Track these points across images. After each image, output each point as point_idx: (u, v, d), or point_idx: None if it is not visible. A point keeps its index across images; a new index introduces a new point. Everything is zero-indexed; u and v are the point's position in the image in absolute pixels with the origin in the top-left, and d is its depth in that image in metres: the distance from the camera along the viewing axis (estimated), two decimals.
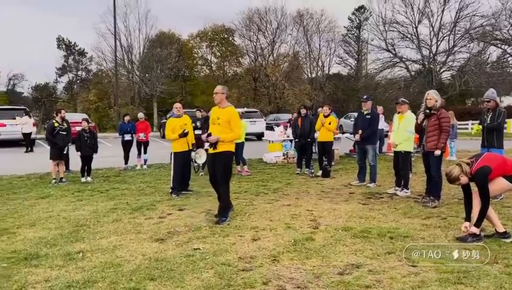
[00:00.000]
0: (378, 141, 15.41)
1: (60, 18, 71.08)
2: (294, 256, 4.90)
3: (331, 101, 41.27)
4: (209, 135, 6.46)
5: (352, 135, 11.29)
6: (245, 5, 64.71)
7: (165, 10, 68.13)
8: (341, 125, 27.91)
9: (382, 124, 15.32)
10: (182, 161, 8.84)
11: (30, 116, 20.94)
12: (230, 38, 46.52)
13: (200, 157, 8.94)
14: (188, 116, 9.31)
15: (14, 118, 20.29)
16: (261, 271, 4.47)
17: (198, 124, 11.99)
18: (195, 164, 9.96)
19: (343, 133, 20.12)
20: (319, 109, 13.39)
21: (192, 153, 8.93)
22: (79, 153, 10.98)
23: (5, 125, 19.56)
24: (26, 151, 18.65)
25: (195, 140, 9.26)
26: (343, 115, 30.49)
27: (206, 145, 11.52)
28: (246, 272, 4.46)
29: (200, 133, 11.70)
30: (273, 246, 5.27)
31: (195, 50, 46.89)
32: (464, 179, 5.26)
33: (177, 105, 9.25)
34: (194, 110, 14.65)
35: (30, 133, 19.55)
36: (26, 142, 19.28)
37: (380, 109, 16.05)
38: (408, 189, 8.48)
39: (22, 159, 16.28)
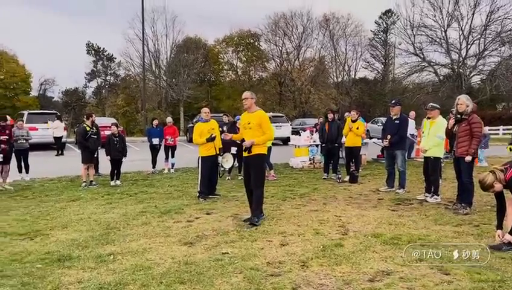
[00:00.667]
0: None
1: (89, 24, 72.69)
2: (324, 262, 4.86)
3: (357, 105, 40.91)
4: (243, 140, 6.68)
5: (380, 140, 11.16)
6: (271, 10, 64.82)
7: (191, 16, 69.08)
8: (368, 130, 27.68)
9: (411, 129, 15.13)
10: (209, 165, 8.89)
11: (61, 121, 21.42)
12: (256, 43, 46.65)
13: (226, 161, 8.98)
14: (215, 121, 9.37)
15: (46, 122, 20.80)
16: (290, 276, 4.45)
17: (225, 128, 12.04)
18: (222, 169, 9.98)
19: (371, 138, 19.90)
20: (346, 114, 13.31)
21: (219, 158, 8.98)
22: (108, 157, 11.18)
23: (37, 129, 20.02)
24: (57, 155, 19.09)
25: (222, 145, 9.30)
26: (369, 120, 30.19)
27: (233, 149, 11.65)
28: (275, 277, 4.45)
29: (228, 138, 11.81)
30: (301, 251, 5.24)
31: (221, 55, 47.19)
32: (498, 187, 5.14)
33: (205, 110, 9.32)
34: (221, 114, 14.74)
35: (61, 137, 20.01)
36: (57, 145, 19.74)
37: (412, 113, 15.85)
38: (438, 195, 8.32)
39: (53, 162, 16.66)
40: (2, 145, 10.68)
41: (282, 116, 26.41)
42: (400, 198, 8.66)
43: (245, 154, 6.73)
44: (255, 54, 46.25)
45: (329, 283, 4.30)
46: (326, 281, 4.35)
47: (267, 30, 44.15)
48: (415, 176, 11.22)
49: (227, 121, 12.53)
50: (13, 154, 11.58)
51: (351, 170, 11.16)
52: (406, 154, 14.77)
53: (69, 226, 6.75)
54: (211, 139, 8.74)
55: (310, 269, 4.66)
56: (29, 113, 22.47)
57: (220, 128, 11.77)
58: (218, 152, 8.95)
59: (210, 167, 8.90)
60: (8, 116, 11.98)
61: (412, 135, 15.34)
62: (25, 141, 12.02)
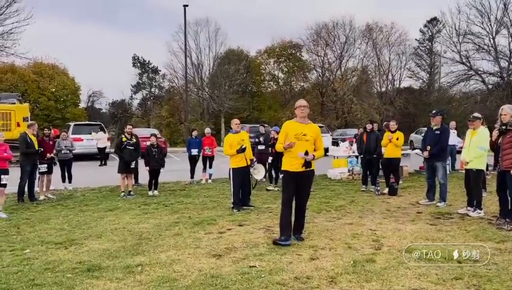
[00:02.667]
0: (450, 158, 14.68)
1: (136, 37, 74.92)
2: (353, 278, 4.70)
3: (401, 115, 39.94)
4: (307, 153, 6.01)
5: (421, 152, 10.79)
6: (313, 20, 64.66)
7: (234, 28, 69.84)
8: (411, 140, 26.94)
9: (454, 140, 14.59)
10: (240, 176, 8.86)
11: (105, 132, 22.07)
12: (298, 54, 46.46)
13: (258, 173, 8.91)
14: (245, 132, 9.34)
15: (90, 133, 21.49)
16: None
17: (261, 139, 12.02)
18: (254, 180, 9.91)
19: (414, 149, 19.33)
20: (384, 123, 13.00)
21: (251, 169, 8.92)
22: (147, 167, 11.37)
23: (82, 140, 20.74)
24: (100, 165, 19.65)
25: (257, 155, 9.25)
26: (413, 130, 29.38)
27: (270, 159, 11.59)
28: None
29: (263, 148, 11.78)
30: (331, 266, 5.09)
31: (263, 66, 47.26)
32: None
33: (236, 121, 9.32)
34: (258, 125, 14.73)
35: (104, 148, 20.62)
36: (101, 156, 20.33)
37: (452, 124, 15.32)
38: (481, 209, 7.93)
39: (96, 173, 17.12)
40: (48, 155, 11.05)
41: (322, 127, 26.11)
42: (440, 212, 8.31)
43: (300, 169, 6.07)
44: (296, 64, 46.07)
45: None
46: None
47: (308, 40, 43.88)
48: (457, 188, 10.76)
49: (263, 132, 12.49)
50: (57, 164, 12.00)
51: (391, 182, 10.85)
52: (450, 166, 14.30)
53: (103, 235, 6.87)
54: (242, 150, 8.71)
55: (338, 285, 4.52)
56: (75, 125, 23.32)
57: (256, 139, 11.81)
58: (249, 163, 8.91)
59: (241, 178, 8.86)
60: (51, 127, 12.43)
61: (455, 146, 14.80)
62: (68, 152, 12.42)
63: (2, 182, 8.71)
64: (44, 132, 11.43)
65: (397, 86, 46.59)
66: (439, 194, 9.14)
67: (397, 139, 10.89)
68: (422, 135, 10.76)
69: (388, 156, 11.04)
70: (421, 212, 8.38)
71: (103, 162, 19.99)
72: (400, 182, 11.55)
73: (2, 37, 27.57)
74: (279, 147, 6.28)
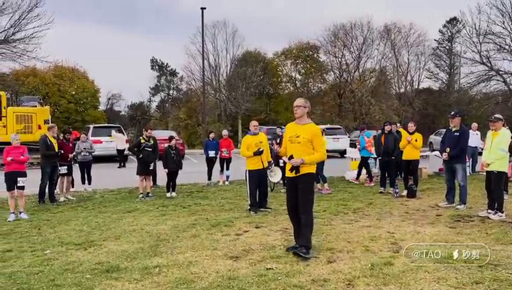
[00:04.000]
0: (471, 160, 14.47)
1: (154, 40, 75.62)
2: (371, 281, 4.66)
3: (420, 117, 39.50)
4: (291, 157, 5.63)
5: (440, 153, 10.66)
6: (330, 22, 64.41)
7: (251, 30, 69.96)
8: (431, 142, 26.62)
9: (475, 142, 14.38)
10: (256, 178, 8.85)
11: (123, 134, 22.31)
12: (315, 55, 46.33)
13: (274, 175, 8.89)
14: (263, 134, 9.33)
15: (110, 136, 21.75)
16: None
17: (278, 141, 11.99)
18: (271, 183, 9.89)
19: (433, 150, 19.10)
20: (399, 125, 12.91)
21: (268, 171, 8.90)
22: (165, 169, 11.45)
23: (101, 142, 21.00)
24: (119, 167, 19.86)
25: (273, 158, 9.24)
26: (433, 132, 29.03)
27: (281, 162, 11.55)
28: None
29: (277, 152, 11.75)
30: (348, 269, 5.06)
31: (280, 68, 47.25)
32: None
33: (254, 123, 9.33)
34: (275, 127, 14.72)
35: (123, 150, 20.84)
36: (120, 158, 20.57)
37: (474, 125, 15.10)
38: (503, 212, 7.78)
39: (115, 174, 17.31)
40: (70, 155, 11.21)
41: (340, 128, 25.98)
42: (460, 214, 8.18)
43: (291, 174, 5.74)
44: (313, 65, 45.93)
45: None
46: None
47: (326, 41, 43.70)
48: (478, 191, 10.57)
49: (280, 134, 12.47)
50: (77, 165, 12.19)
51: (409, 184, 10.73)
52: (470, 168, 14.08)
53: (121, 237, 6.94)
54: (259, 152, 8.71)
55: (356, 288, 4.49)
56: (94, 127, 23.63)
57: (273, 141, 11.80)
58: (266, 166, 8.89)
59: (257, 181, 8.86)
60: (70, 130, 12.62)
61: (476, 148, 14.60)
62: (88, 154, 12.59)
63: (19, 185, 8.86)
64: (66, 136, 11.60)
65: (416, 87, 46.15)
66: (459, 197, 9.02)
67: (416, 140, 10.78)
68: (442, 136, 10.61)
69: (407, 158, 10.92)
70: (440, 214, 8.26)
71: (122, 164, 20.21)
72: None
73: (24, 41, 28.05)
74: (282, 152, 6.06)
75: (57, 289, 4.60)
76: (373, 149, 13.38)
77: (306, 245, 5.61)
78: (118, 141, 20.93)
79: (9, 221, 8.48)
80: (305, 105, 5.81)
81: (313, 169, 5.78)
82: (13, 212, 8.73)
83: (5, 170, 9.02)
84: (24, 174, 8.98)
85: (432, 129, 32.21)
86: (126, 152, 21.25)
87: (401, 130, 11.77)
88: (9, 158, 8.78)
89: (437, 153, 14.89)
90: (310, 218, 5.75)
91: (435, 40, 44.96)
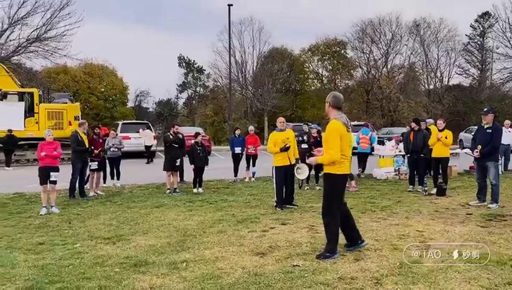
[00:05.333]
0: (503, 157, 14.11)
1: (181, 38, 76.34)
2: (399, 280, 4.58)
3: (450, 114, 38.68)
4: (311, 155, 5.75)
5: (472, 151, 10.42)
6: (358, 17, 63.68)
7: (278, 26, 69.79)
8: (461, 139, 26.04)
9: (508, 139, 14.00)
10: (283, 175, 8.83)
11: (151, 130, 22.61)
12: (342, 51, 45.95)
13: (301, 172, 8.83)
14: (291, 131, 9.29)
15: (138, 132, 22.07)
16: None
17: (305, 138, 11.96)
18: (299, 181, 9.85)
19: (463, 148, 18.69)
20: (428, 121, 12.65)
21: (295, 168, 8.85)
22: (192, 165, 11.54)
23: (129, 138, 21.34)
24: (147, 163, 20.15)
25: (300, 154, 9.19)
26: (463, 129, 28.38)
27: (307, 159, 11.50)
28: None
29: (307, 147, 11.71)
30: (376, 267, 4.99)
31: (307, 64, 47.05)
32: None
33: (281, 119, 9.30)
34: (302, 124, 14.65)
35: (151, 146, 21.16)
36: (147, 154, 20.87)
37: (507, 122, 14.71)
38: None
39: (143, 170, 17.55)
40: (96, 152, 11.40)
41: (367, 125, 25.61)
42: (492, 213, 7.98)
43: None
44: (341, 62, 45.57)
45: None
46: None
47: (353, 38, 43.29)
48: (511, 189, 10.32)
49: (307, 130, 12.42)
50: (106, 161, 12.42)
51: (439, 182, 10.53)
52: (502, 166, 13.72)
53: (149, 232, 7.03)
54: (285, 149, 8.68)
55: (384, 287, 4.42)
56: (123, 123, 24.02)
57: (300, 138, 11.75)
58: (293, 162, 8.85)
59: (284, 177, 8.83)
60: (100, 126, 12.85)
61: (509, 146, 14.22)
62: (117, 150, 12.78)
63: (52, 179, 9.07)
64: (95, 130, 11.81)
65: (446, 83, 45.20)
66: (490, 195, 8.80)
67: (446, 137, 10.56)
68: (473, 133, 10.36)
69: (436, 156, 10.72)
70: (471, 213, 8.07)
71: (150, 160, 20.49)
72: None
73: (56, 39, 28.69)
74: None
75: (87, 281, 4.69)
76: (368, 146, 13.23)
77: (326, 248, 5.48)
78: (145, 138, 21.25)
79: (41, 214, 8.69)
80: (327, 100, 5.68)
81: (333, 170, 5.44)
82: (45, 206, 8.95)
83: (39, 164, 9.25)
84: (57, 169, 9.19)
85: (462, 126, 31.49)
86: (153, 148, 21.60)
87: (431, 127, 11.53)
88: (43, 153, 9.00)
89: (468, 150, 14.59)
90: (326, 220, 5.57)
91: (466, 35, 43.99)
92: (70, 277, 4.87)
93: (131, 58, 70.34)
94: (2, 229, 7.55)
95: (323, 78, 47.72)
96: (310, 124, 13.79)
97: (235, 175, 13.67)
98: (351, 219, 5.75)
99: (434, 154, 10.75)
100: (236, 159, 13.83)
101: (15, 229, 7.54)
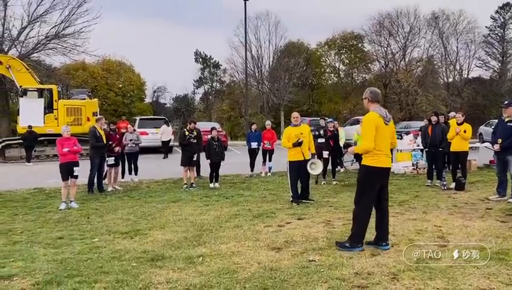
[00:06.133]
0: None
1: (197, 33, 76.53)
2: (416, 275, 4.54)
3: (469, 107, 38.06)
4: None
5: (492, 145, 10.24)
6: (375, 10, 62.97)
7: (294, 20, 69.36)
8: (480, 133, 25.65)
9: None
10: (297, 170, 8.80)
11: (168, 125, 22.76)
12: (360, 45, 45.47)
13: (315, 168, 8.78)
14: (306, 125, 9.24)
15: (156, 127, 22.24)
16: (377, 289, 4.22)
17: (321, 132, 11.90)
18: (314, 176, 9.79)
19: (483, 142, 18.39)
20: (451, 114, 12.46)
21: (308, 163, 8.80)
22: (208, 160, 11.58)
23: (147, 134, 21.51)
24: (164, 158, 20.32)
25: (317, 149, 9.14)
26: (483, 122, 27.94)
27: (325, 153, 11.44)
28: (362, 289, 4.26)
29: (323, 141, 11.65)
30: (393, 263, 4.95)
31: (323, 58, 46.65)
32: None
33: (295, 114, 9.26)
34: (318, 118, 14.58)
35: (168, 141, 21.32)
36: (164, 149, 21.04)
37: None
38: None
39: (160, 165, 17.68)
40: (116, 148, 11.52)
41: None
42: None
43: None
44: (358, 55, 45.10)
45: None
46: None
47: (371, 31, 42.79)
48: None
49: (323, 125, 12.35)
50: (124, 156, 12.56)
51: (458, 176, 10.38)
52: None
53: (166, 226, 7.09)
54: (298, 144, 8.65)
55: (401, 282, 4.38)
56: (140, 119, 24.20)
57: (316, 132, 11.70)
58: (307, 157, 8.80)
59: (297, 172, 8.80)
60: (124, 117, 12.94)
61: None
62: (134, 145, 12.89)
63: (74, 174, 9.19)
64: (110, 126, 11.94)
65: (465, 76, 44.47)
66: (511, 190, 8.64)
67: (465, 131, 10.40)
68: (493, 127, 10.18)
69: (455, 150, 10.56)
70: (490, 208, 7.95)
71: (167, 155, 20.64)
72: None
73: (74, 36, 28.97)
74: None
75: (105, 275, 4.75)
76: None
77: (349, 238, 5.58)
78: (163, 133, 21.44)
79: (60, 209, 8.83)
80: (364, 96, 5.74)
81: (365, 161, 5.54)
82: (64, 201, 9.08)
83: (60, 160, 9.35)
84: (78, 164, 9.31)
85: (482, 120, 30.98)
86: (171, 143, 21.77)
87: (452, 120, 11.33)
88: (65, 149, 9.11)
89: (488, 144, 14.34)
90: (356, 210, 5.66)
91: (486, 27, 43.14)
92: (89, 270, 4.93)
93: (148, 54, 70.80)
94: (23, 223, 7.70)
95: (340, 72, 47.31)
96: (327, 118, 13.69)
97: (252, 170, 13.68)
98: (384, 218, 5.71)
99: (453, 149, 10.60)
100: (252, 154, 13.84)
101: (35, 223, 7.67)
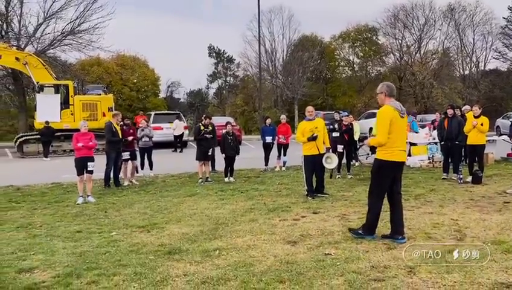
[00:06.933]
0: None
1: (211, 28, 76.54)
2: (433, 269, 4.53)
3: (486, 99, 37.51)
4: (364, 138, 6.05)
5: (509, 137, 10.11)
6: (390, 2, 62.27)
7: (308, 14, 68.99)
8: (498, 126, 25.30)
9: None
10: (312, 164, 8.79)
11: (180, 120, 22.93)
12: (374, 38, 45.12)
13: (331, 162, 8.76)
14: (321, 119, 9.21)
15: (170, 122, 22.39)
16: (394, 283, 4.22)
17: (336, 126, 11.86)
18: (329, 170, 9.77)
19: (501, 134, 18.14)
20: (464, 108, 12.31)
21: (323, 158, 8.78)
22: (223, 154, 11.63)
23: (162, 129, 21.67)
24: (179, 152, 20.58)
25: (331, 143, 9.12)
26: (500, 115, 27.55)
27: (340, 148, 11.40)
28: (378, 282, 4.25)
29: (338, 135, 11.62)
30: (409, 256, 4.93)
31: (337, 51, 46.39)
32: None
33: (310, 109, 9.23)
34: (332, 112, 14.53)
35: (181, 135, 21.54)
36: (176, 143, 21.24)
37: None
38: None
39: (175, 160, 17.81)
40: (129, 138, 11.61)
41: None
42: None
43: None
44: (372, 48, 44.74)
45: None
46: None
47: (385, 23, 42.46)
48: None
49: (338, 119, 12.31)
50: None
51: (474, 169, 10.28)
52: None
53: (182, 220, 7.15)
54: (312, 138, 8.63)
55: (418, 276, 4.37)
56: (155, 114, 24.36)
57: (331, 126, 11.67)
58: (322, 151, 8.78)
59: (312, 166, 8.80)
60: (141, 112, 13.04)
61: None
62: (148, 139, 12.97)
63: (89, 169, 9.30)
64: (125, 121, 12.05)
65: (482, 68, 43.85)
66: None
67: (482, 124, 10.27)
68: (511, 120, 10.05)
69: (472, 143, 10.44)
70: (508, 202, 7.86)
71: (176, 149, 20.91)
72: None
73: (89, 32, 29.23)
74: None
75: (123, 268, 4.82)
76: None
77: (363, 228, 5.77)
78: (176, 128, 21.63)
79: (78, 204, 8.96)
80: (379, 91, 5.76)
81: (379, 155, 5.64)
82: (81, 196, 9.21)
83: (75, 155, 9.50)
84: (92, 159, 9.42)
85: (499, 112, 30.56)
86: (185, 138, 21.95)
87: (468, 114, 11.18)
88: (79, 144, 9.24)
89: (505, 137, 14.17)
90: (369, 202, 5.79)
91: (504, 18, 42.37)
92: (107, 263, 5.01)
93: (162, 49, 71.11)
94: (42, 217, 7.83)
95: (355, 66, 47.01)
96: (342, 112, 13.63)
97: (266, 164, 13.69)
98: (396, 212, 5.74)
99: (469, 142, 10.48)
100: (267, 148, 13.84)
101: (54, 217, 7.80)
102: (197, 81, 73.67)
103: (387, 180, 5.63)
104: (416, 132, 14.18)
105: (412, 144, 13.71)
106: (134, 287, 4.32)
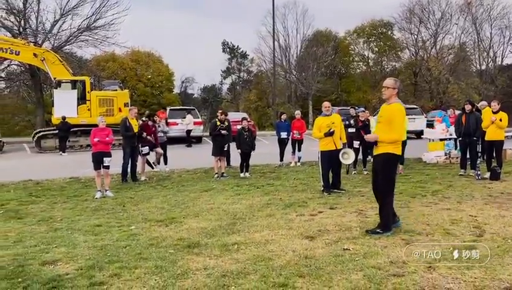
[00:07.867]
0: None
1: (225, 23, 76.60)
2: (453, 265, 4.51)
3: (504, 95, 37.00)
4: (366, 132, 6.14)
5: None
6: None
7: (322, 9, 68.56)
8: None
9: None
10: (328, 159, 8.78)
11: (192, 115, 23.08)
12: (389, 33, 44.73)
13: (348, 158, 8.74)
14: (338, 115, 9.20)
15: (184, 118, 22.51)
16: (414, 278, 4.23)
17: (352, 122, 11.82)
18: (345, 166, 9.74)
19: None
20: (480, 104, 12.13)
21: (340, 153, 8.76)
22: (239, 150, 11.67)
23: (176, 124, 21.81)
24: (187, 146, 21.07)
25: (347, 139, 9.10)
26: None
27: (356, 143, 11.35)
28: (398, 277, 4.26)
29: (353, 131, 11.58)
30: (428, 252, 4.92)
31: (352, 46, 46.12)
32: None
33: (326, 104, 9.21)
34: (349, 108, 14.48)
35: (191, 130, 21.92)
36: (187, 137, 21.49)
37: None
38: None
39: (191, 155, 17.90)
40: (148, 138, 11.71)
41: (416, 108, 25.00)
42: None
43: (374, 151, 6.00)
44: (387, 43, 44.35)
45: (457, 288, 3.99)
46: (455, 285, 4.05)
47: (400, 18, 42.09)
48: None
49: (354, 114, 12.26)
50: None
51: (493, 165, 10.17)
52: None
53: (200, 215, 7.21)
54: (329, 133, 8.62)
55: (437, 272, 4.37)
56: (170, 110, 24.49)
57: (346, 122, 11.63)
58: (338, 147, 8.76)
59: (329, 162, 8.78)
60: (163, 109, 13.14)
61: None
62: (163, 134, 13.05)
63: (105, 164, 9.42)
64: (152, 118, 12.20)
65: (499, 63, 43.24)
66: None
67: (500, 120, 10.16)
68: None
69: (490, 139, 10.34)
70: None
71: (189, 144, 21.15)
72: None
73: (104, 28, 29.47)
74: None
75: (144, 262, 4.89)
76: None
77: (381, 226, 5.75)
78: (189, 123, 21.83)
79: (96, 198, 9.09)
80: (394, 86, 5.81)
81: (391, 149, 5.70)
82: (99, 190, 9.34)
83: (92, 150, 9.64)
84: (109, 155, 9.53)
85: None
86: (200, 133, 22.13)
87: (486, 109, 11.04)
88: (96, 139, 9.36)
89: None
90: (384, 201, 5.81)
91: None
92: (128, 257, 5.09)
93: (176, 45, 71.40)
94: (62, 211, 7.97)
95: (369, 61, 46.68)
96: (357, 107, 13.57)
97: (281, 160, 13.71)
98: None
99: (488, 138, 10.38)
100: (282, 143, 13.86)
101: (73, 211, 7.93)
102: (210, 76, 73.91)
103: (395, 173, 5.86)
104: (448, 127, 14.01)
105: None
106: (155, 280, 4.38)
